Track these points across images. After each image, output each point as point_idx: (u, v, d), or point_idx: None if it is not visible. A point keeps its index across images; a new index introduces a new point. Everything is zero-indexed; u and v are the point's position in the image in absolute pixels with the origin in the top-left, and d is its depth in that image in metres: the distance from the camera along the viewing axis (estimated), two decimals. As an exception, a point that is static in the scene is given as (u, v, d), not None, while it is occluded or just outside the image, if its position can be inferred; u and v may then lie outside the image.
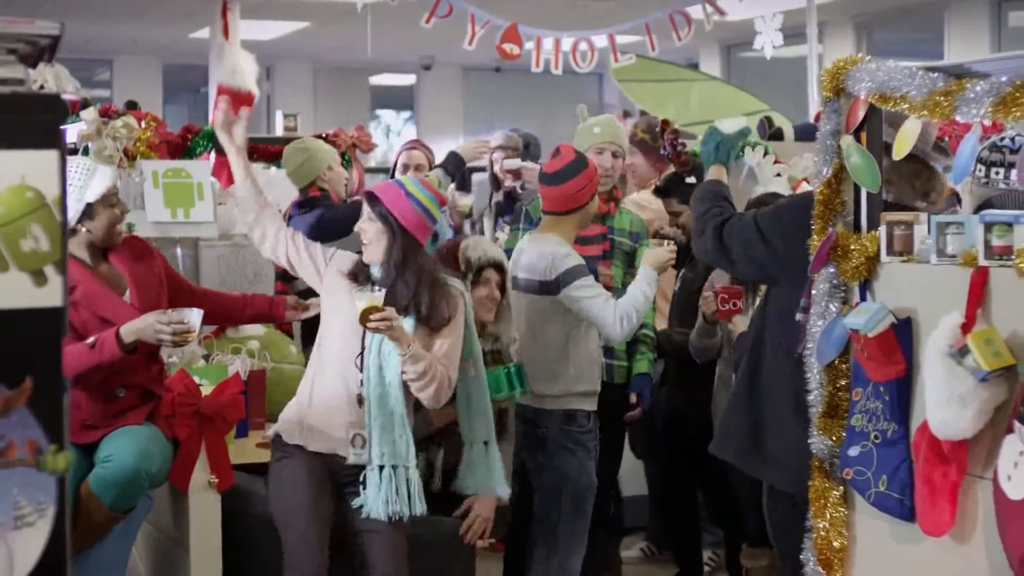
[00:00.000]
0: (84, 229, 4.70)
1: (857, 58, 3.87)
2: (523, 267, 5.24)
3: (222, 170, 6.65)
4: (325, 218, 6.29)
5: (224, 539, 4.96)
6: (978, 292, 3.35)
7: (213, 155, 6.40)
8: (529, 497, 5.33)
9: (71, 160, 4.88)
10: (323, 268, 4.63)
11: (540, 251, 5.19)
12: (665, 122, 6.81)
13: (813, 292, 3.92)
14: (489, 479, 4.78)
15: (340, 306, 4.53)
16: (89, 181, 4.68)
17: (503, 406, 5.09)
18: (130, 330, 4.51)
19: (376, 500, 4.44)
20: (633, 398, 5.75)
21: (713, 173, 4.68)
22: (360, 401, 4.47)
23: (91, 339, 4.51)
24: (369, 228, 4.53)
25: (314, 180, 6.53)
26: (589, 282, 5.11)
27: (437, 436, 5.03)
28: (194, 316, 4.54)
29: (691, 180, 6.06)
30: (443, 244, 5.25)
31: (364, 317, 4.31)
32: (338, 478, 4.53)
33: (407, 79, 21.16)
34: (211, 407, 4.77)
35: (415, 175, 6.64)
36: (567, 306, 5.12)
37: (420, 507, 4.47)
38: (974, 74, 3.52)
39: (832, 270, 3.86)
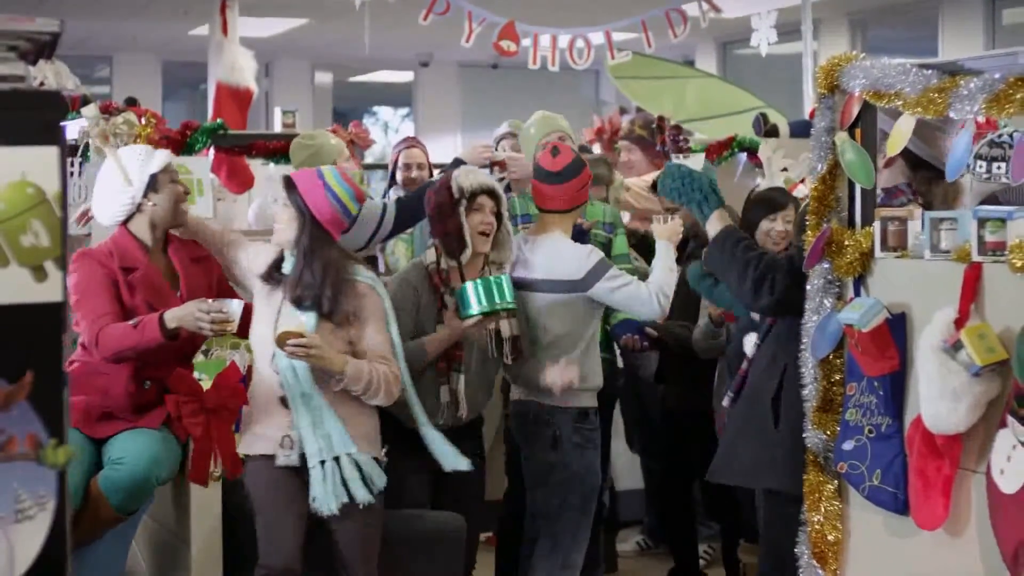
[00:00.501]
0: (150, 203, 4.73)
1: (851, 55, 3.88)
2: (540, 268, 5.21)
3: (221, 166, 6.66)
4: None
5: (224, 532, 4.96)
6: (971, 287, 3.35)
7: (212, 151, 6.39)
8: (522, 491, 5.34)
9: (128, 147, 4.96)
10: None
11: (557, 251, 5.18)
12: (661, 118, 6.82)
13: (808, 287, 3.93)
14: (444, 456, 4.77)
15: (258, 308, 4.63)
16: (150, 158, 4.75)
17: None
18: (173, 315, 4.53)
19: (325, 495, 4.45)
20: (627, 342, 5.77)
21: (716, 219, 4.48)
22: (285, 403, 4.51)
23: (135, 319, 4.53)
24: (282, 213, 4.59)
25: None
26: (617, 272, 5.14)
27: (454, 363, 5.00)
28: (234, 307, 4.56)
29: None
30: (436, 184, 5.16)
31: (281, 341, 4.35)
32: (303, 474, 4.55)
33: (405, 76, 21.15)
34: (214, 399, 4.77)
35: (418, 174, 6.65)
36: (599, 299, 5.12)
37: (364, 494, 4.47)
38: (968, 71, 3.52)
39: (827, 266, 3.86)
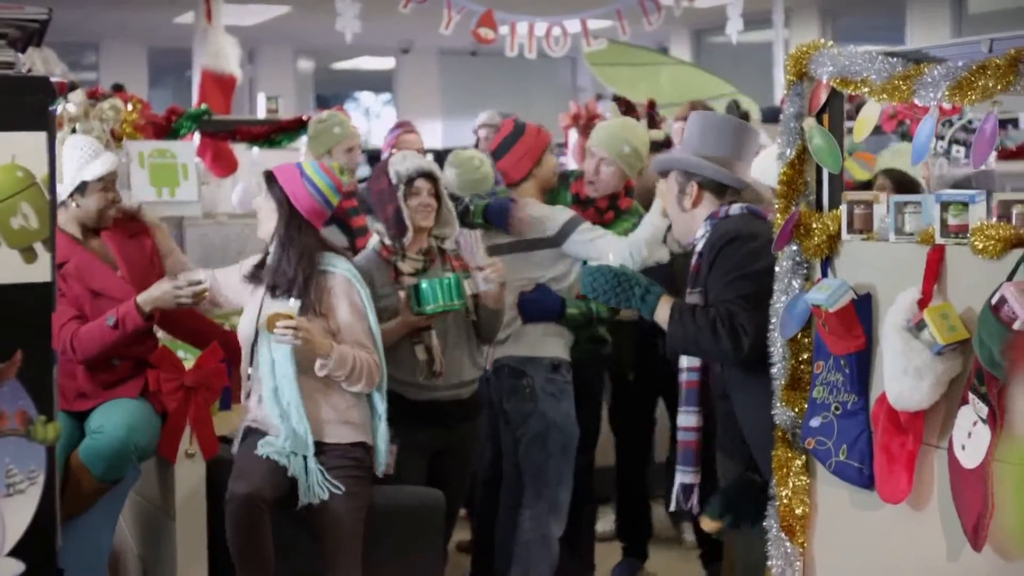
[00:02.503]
0: (74, 204, 4.71)
1: (820, 43, 3.89)
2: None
3: (207, 151, 6.66)
4: None
5: (209, 508, 4.98)
6: (934, 269, 3.38)
7: (198, 136, 6.39)
8: (499, 459, 5.40)
9: (78, 137, 4.91)
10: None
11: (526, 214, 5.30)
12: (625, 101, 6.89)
13: (777, 269, 3.95)
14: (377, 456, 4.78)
15: (246, 309, 4.71)
16: (91, 161, 4.70)
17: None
18: (147, 299, 4.55)
19: (304, 486, 4.53)
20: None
21: (663, 305, 4.21)
22: (259, 400, 4.57)
23: (111, 318, 4.54)
24: (264, 206, 4.64)
25: (328, 151, 6.35)
26: (588, 225, 5.23)
27: (423, 329, 5.03)
28: (203, 274, 4.62)
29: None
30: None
31: (270, 323, 4.38)
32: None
33: (386, 63, 21.12)
34: (195, 378, 4.79)
35: None
36: (574, 253, 5.20)
37: (320, 493, 4.51)
38: (932, 59, 3.54)
39: (795, 248, 3.88)
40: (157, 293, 4.55)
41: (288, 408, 4.51)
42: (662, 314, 4.21)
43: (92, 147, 4.77)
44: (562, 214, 5.33)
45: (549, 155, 5.54)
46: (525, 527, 5.30)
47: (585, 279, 4.28)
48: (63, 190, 4.64)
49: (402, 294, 4.91)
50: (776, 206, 3.97)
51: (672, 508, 4.49)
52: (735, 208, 4.30)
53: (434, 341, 5.01)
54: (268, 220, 4.63)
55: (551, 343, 5.32)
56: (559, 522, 5.31)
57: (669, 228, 5.47)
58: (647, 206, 5.60)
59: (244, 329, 4.69)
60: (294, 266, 4.56)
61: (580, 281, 4.33)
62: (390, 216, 4.99)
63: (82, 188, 4.70)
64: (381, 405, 4.71)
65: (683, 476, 4.42)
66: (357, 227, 6.15)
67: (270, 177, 4.63)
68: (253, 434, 4.64)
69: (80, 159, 4.69)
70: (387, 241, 5.03)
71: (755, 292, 4.07)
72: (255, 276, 4.69)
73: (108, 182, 4.76)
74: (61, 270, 4.60)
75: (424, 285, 4.88)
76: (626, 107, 7.82)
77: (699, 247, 4.31)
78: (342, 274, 4.65)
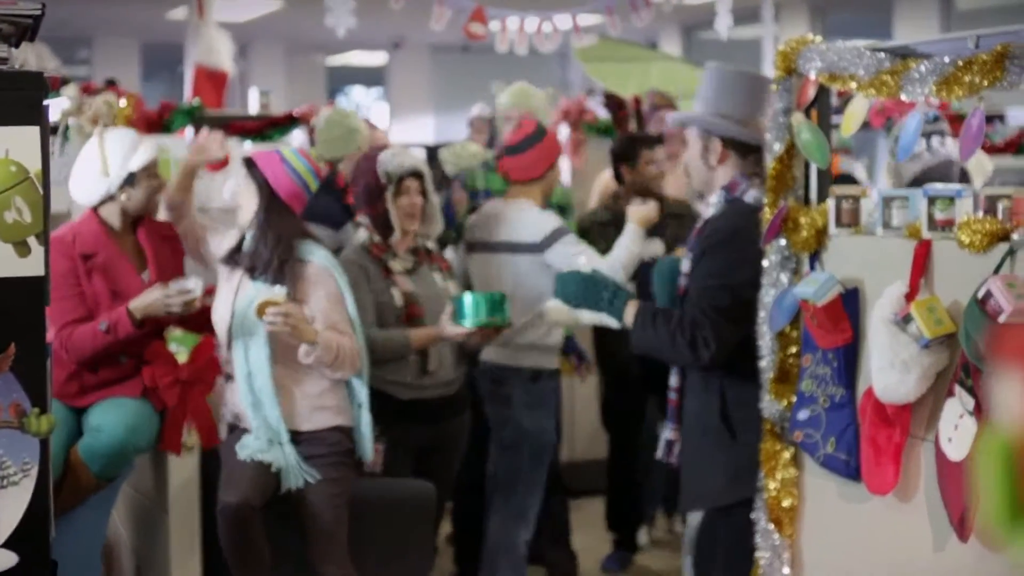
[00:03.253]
0: (123, 196, 4.71)
1: (808, 39, 3.90)
2: (501, 231, 5.30)
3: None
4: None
5: (203, 501, 4.98)
6: (921, 263, 3.39)
7: (192, 131, 6.38)
8: (481, 457, 5.42)
9: (116, 130, 4.91)
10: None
11: (519, 216, 5.27)
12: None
13: (765, 263, 3.96)
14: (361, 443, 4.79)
15: (219, 289, 4.73)
16: (133, 151, 4.71)
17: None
18: (138, 307, 4.54)
19: (285, 470, 4.53)
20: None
21: (631, 309, 4.24)
22: (228, 380, 4.59)
23: (103, 323, 4.53)
24: (244, 191, 4.64)
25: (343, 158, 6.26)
26: (575, 239, 5.22)
27: (414, 318, 5.04)
28: (192, 283, 4.59)
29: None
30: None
31: (261, 310, 4.39)
32: None
33: (378, 58, 21.11)
34: (190, 372, 4.79)
35: None
36: (555, 264, 5.18)
37: (297, 479, 4.51)
38: (919, 54, 3.55)
39: (783, 242, 3.89)
40: (148, 300, 4.54)
41: (260, 395, 4.52)
42: (628, 318, 4.24)
43: (132, 138, 4.79)
44: (550, 223, 5.30)
45: (558, 163, 5.54)
46: (492, 531, 5.32)
47: (557, 283, 4.33)
48: (111, 183, 4.67)
49: (448, 309, 4.93)
50: (765, 201, 3.99)
51: (659, 455, 4.54)
52: (751, 195, 4.26)
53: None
54: (248, 205, 4.65)
55: (533, 354, 5.30)
56: (526, 528, 5.33)
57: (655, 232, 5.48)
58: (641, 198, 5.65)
59: (220, 312, 4.68)
60: (271, 249, 4.57)
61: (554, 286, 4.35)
62: (377, 215, 4.99)
63: (131, 179, 4.70)
64: (362, 391, 4.70)
65: (666, 432, 4.48)
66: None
67: (249, 163, 4.65)
68: (235, 432, 4.65)
69: (123, 151, 4.69)
70: (376, 238, 5.03)
71: (730, 304, 4.08)
72: (231, 259, 4.70)
73: (153, 170, 4.78)
74: (88, 262, 4.61)
75: (468, 299, 4.89)
76: (616, 105, 7.84)
77: (708, 212, 4.32)
78: (319, 262, 4.65)
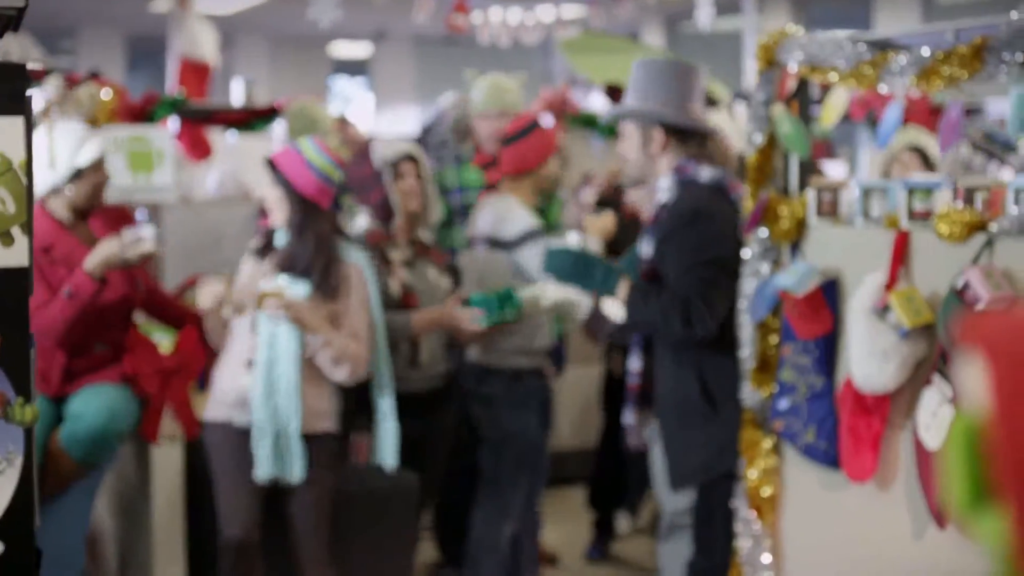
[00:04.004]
0: (69, 190, 4.68)
1: (788, 31, 3.91)
2: (481, 225, 5.30)
3: (184, 136, 6.64)
4: None
5: (187, 491, 4.98)
6: (900, 253, 3.40)
7: (176, 122, 6.38)
8: (467, 448, 5.43)
9: (66, 123, 4.88)
10: None
11: (500, 212, 5.26)
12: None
13: (746, 254, 3.97)
14: (383, 452, 4.80)
15: (244, 278, 4.67)
16: (81, 147, 4.68)
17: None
18: (95, 263, 4.50)
19: (263, 462, 4.50)
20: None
21: (623, 287, 4.26)
22: (249, 365, 4.53)
23: (66, 290, 4.50)
24: (271, 194, 4.60)
25: None
26: (545, 243, 5.20)
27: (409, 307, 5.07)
28: (145, 231, 4.56)
29: None
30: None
31: (260, 300, 4.39)
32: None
33: (363, 49, 21.10)
34: (173, 360, 4.78)
35: None
36: (526, 265, 5.17)
37: (297, 472, 4.51)
38: (899, 46, 3.57)
39: (764, 233, 3.91)
40: (103, 254, 4.50)
41: (278, 383, 4.48)
42: (620, 296, 4.26)
43: (81, 133, 4.75)
44: (526, 222, 5.25)
45: (554, 160, 5.47)
46: (476, 527, 5.33)
47: (547, 259, 4.33)
48: (57, 177, 4.64)
49: (458, 307, 4.95)
50: (746, 190, 4.00)
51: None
52: (705, 173, 4.28)
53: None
54: (279, 208, 4.59)
55: (516, 356, 5.29)
56: (509, 524, 5.33)
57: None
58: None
59: (246, 296, 4.60)
60: (311, 252, 4.53)
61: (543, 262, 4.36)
62: (377, 202, 4.99)
63: (77, 175, 4.67)
64: (385, 402, 4.74)
65: (626, 417, 4.52)
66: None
67: (271, 165, 4.60)
68: (217, 431, 4.62)
69: (71, 145, 4.66)
70: (375, 227, 5.03)
71: (715, 278, 4.11)
72: (262, 252, 4.66)
73: (100, 163, 4.74)
74: (49, 253, 4.59)
75: (481, 299, 4.91)
76: (617, 96, 7.83)
77: (663, 198, 4.33)
78: (356, 264, 4.64)
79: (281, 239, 4.60)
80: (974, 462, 1.38)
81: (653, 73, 4.37)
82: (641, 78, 4.38)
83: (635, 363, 4.50)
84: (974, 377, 1.35)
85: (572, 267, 4.28)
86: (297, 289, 4.49)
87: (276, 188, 4.57)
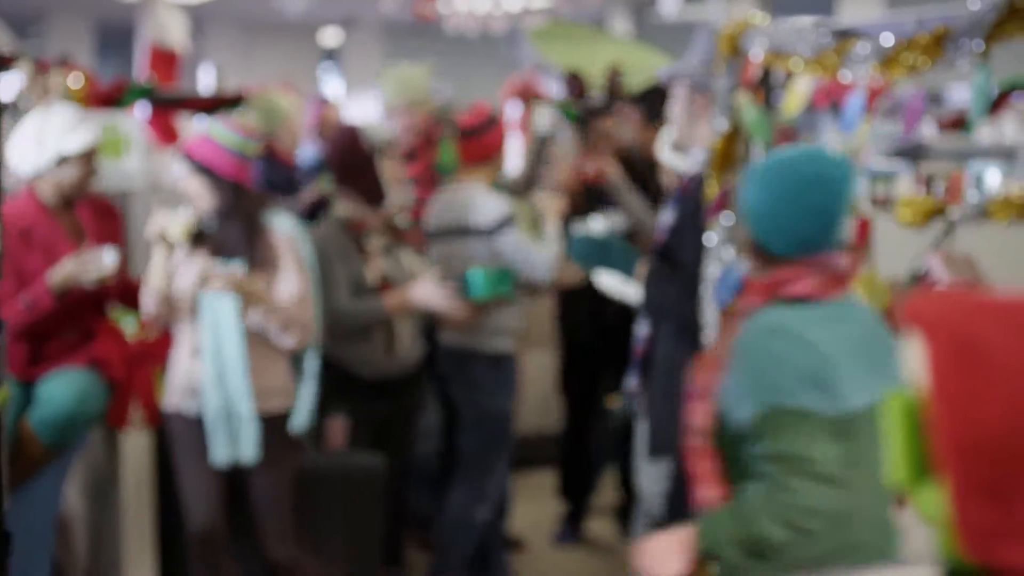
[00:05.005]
0: (57, 174, 4.63)
1: (751, 20, 3.93)
2: (451, 215, 5.30)
3: (155, 125, 6.61)
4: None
5: (156, 477, 4.97)
6: (862, 238, 3.42)
7: (145, 108, 6.35)
8: (444, 432, 5.44)
9: (59, 106, 4.84)
10: None
11: (471, 200, 5.26)
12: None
13: (709, 240, 3.99)
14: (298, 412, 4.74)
15: (183, 266, 4.61)
16: (73, 131, 4.64)
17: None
18: (55, 280, 4.49)
19: (218, 446, 4.49)
20: None
21: (642, 265, 4.42)
22: (197, 352, 4.51)
23: (24, 300, 4.47)
24: (191, 183, 4.56)
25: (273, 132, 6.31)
26: (519, 230, 5.22)
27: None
28: (107, 255, 4.53)
29: None
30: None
31: (206, 283, 4.39)
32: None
33: (333, 36, 21.08)
34: (140, 347, 4.77)
35: None
36: (502, 250, 5.17)
37: (252, 453, 4.49)
38: (861, 34, 3.59)
39: (728, 218, 3.92)
40: (62, 272, 4.49)
41: (226, 368, 4.47)
42: (640, 275, 4.45)
43: (74, 117, 4.71)
44: (500, 208, 5.26)
45: (504, 148, 5.57)
46: (450, 508, 5.34)
47: (574, 248, 4.69)
48: (45, 160, 4.60)
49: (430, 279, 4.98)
50: (711, 177, 4.02)
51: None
52: None
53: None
54: (201, 197, 4.56)
55: (497, 338, 5.29)
56: (484, 508, 5.34)
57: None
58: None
59: (183, 286, 4.59)
60: (241, 231, 4.52)
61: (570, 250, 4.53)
62: (369, 185, 4.97)
63: (62, 160, 4.63)
64: (312, 363, 4.70)
65: (629, 382, 4.56)
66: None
67: (184, 155, 4.58)
68: (173, 421, 4.59)
69: (62, 129, 4.62)
70: (355, 213, 5.02)
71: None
72: (195, 242, 4.64)
73: (89, 154, 4.70)
74: (27, 237, 4.56)
75: (478, 273, 4.93)
76: (576, 84, 7.86)
77: (694, 170, 4.39)
78: (285, 231, 4.62)
79: (209, 226, 4.56)
80: (914, 438, 1.40)
81: (709, 39, 4.41)
82: (699, 44, 4.45)
83: (643, 329, 4.53)
84: (913, 354, 1.37)
85: (597, 252, 4.55)
86: (234, 270, 4.47)
87: (193, 177, 4.54)
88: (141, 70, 6.97)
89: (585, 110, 6.58)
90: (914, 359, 1.39)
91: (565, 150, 7.35)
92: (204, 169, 4.52)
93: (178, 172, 4.63)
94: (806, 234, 2.83)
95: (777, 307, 2.82)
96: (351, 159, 4.99)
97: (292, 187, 5.71)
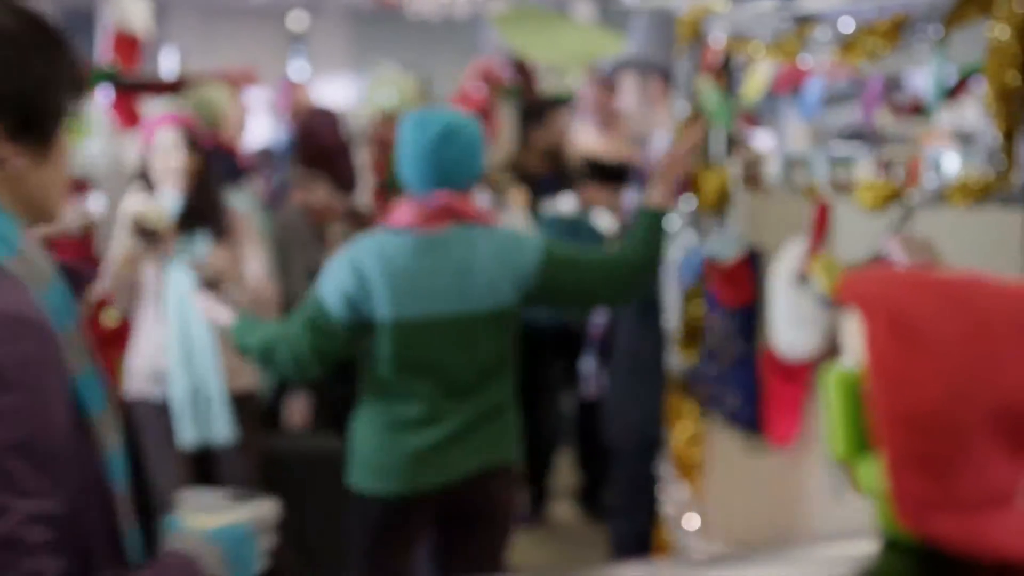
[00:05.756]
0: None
1: (710, 6, 3.93)
2: None
3: (118, 109, 6.57)
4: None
5: (129, 463, 4.95)
6: (822, 222, 3.44)
7: (107, 93, 6.31)
8: None
9: None
10: None
11: None
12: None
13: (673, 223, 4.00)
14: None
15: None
16: None
17: None
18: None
19: (187, 427, 4.47)
20: None
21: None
22: (161, 336, 4.49)
23: None
24: (174, 161, 4.51)
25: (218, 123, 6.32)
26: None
27: None
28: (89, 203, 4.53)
29: None
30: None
31: (136, 223, 4.37)
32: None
33: (298, 21, 20.99)
34: (109, 330, 4.74)
35: None
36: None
37: (224, 433, 4.49)
38: (821, 19, 3.59)
39: (690, 202, 3.93)
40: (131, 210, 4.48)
41: (194, 349, 4.44)
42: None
43: None
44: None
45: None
46: None
47: (542, 228, 4.83)
48: None
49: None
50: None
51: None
52: None
53: None
54: (178, 175, 4.54)
55: None
56: None
57: None
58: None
59: (149, 274, 4.55)
60: (204, 206, 4.49)
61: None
62: (341, 171, 4.95)
63: None
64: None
65: (586, 365, 4.58)
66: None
67: (168, 120, 4.57)
68: (138, 409, 4.55)
69: None
70: (318, 204, 5.00)
71: None
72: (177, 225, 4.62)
73: None
74: None
75: None
76: (523, 71, 7.86)
77: (661, 150, 4.38)
78: (241, 209, 4.62)
79: (169, 203, 4.51)
80: (854, 412, 1.41)
81: (650, 24, 4.40)
82: (640, 30, 4.43)
83: (601, 316, 4.55)
84: (851, 330, 1.38)
85: (566, 232, 4.62)
86: (199, 248, 4.44)
87: (185, 152, 4.49)
88: (104, 54, 6.91)
89: (539, 101, 6.61)
90: (852, 334, 1.41)
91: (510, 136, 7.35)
92: (184, 129, 4.50)
93: (161, 140, 4.54)
94: (411, 176, 3.51)
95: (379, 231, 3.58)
96: (325, 144, 4.98)
97: (236, 175, 5.68)
